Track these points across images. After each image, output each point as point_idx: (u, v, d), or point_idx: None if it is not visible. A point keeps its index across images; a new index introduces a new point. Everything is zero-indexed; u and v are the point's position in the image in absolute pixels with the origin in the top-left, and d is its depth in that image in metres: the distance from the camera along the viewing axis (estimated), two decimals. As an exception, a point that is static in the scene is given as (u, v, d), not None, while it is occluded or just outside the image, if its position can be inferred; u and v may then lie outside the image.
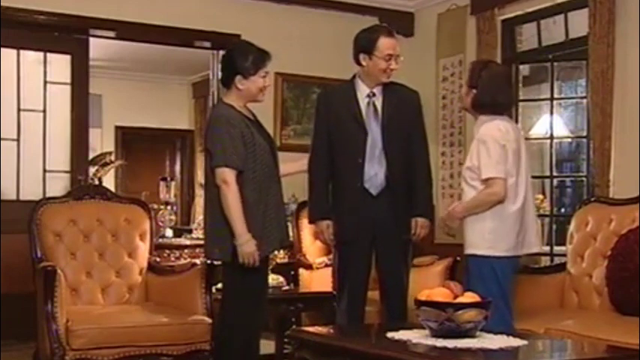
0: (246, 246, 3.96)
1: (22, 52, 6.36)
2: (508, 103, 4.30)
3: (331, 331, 3.98)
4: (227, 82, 4.14)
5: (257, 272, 4.09)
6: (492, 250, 4.04)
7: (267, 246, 4.09)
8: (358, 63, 4.38)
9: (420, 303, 3.23)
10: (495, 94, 4.12)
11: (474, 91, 4.13)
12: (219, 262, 4.28)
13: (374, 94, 4.38)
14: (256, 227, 4.01)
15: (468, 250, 4.12)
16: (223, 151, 3.97)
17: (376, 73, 4.33)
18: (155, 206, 6.22)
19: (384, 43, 4.30)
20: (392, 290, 4.41)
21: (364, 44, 4.34)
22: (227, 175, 3.96)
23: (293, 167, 4.48)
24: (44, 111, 6.44)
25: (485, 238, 4.05)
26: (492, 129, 4.07)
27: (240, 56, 4.11)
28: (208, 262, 4.52)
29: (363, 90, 4.39)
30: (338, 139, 4.37)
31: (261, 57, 4.12)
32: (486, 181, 4.02)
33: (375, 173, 4.32)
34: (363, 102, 4.37)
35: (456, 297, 3.25)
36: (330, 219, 4.41)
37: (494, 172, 4.00)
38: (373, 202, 4.30)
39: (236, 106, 4.10)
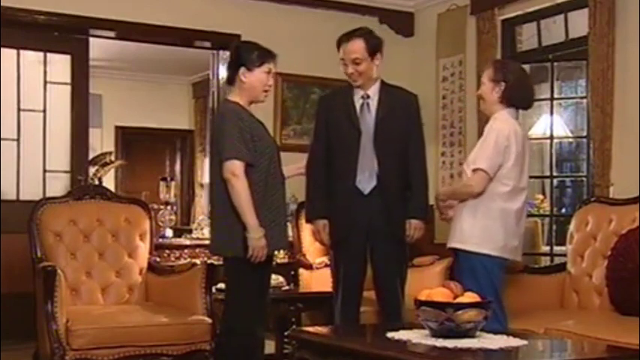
0: (258, 240, 3.94)
1: (22, 52, 6.36)
2: (532, 101, 4.36)
3: (331, 331, 3.98)
4: (232, 76, 4.13)
5: (264, 270, 4.10)
6: (480, 247, 4.05)
7: (273, 243, 4.07)
8: None
9: (420, 303, 3.23)
10: (527, 88, 4.25)
11: (503, 84, 4.13)
12: (222, 262, 4.26)
13: (368, 96, 4.43)
14: (262, 223, 3.98)
15: (456, 245, 4.14)
16: (232, 144, 3.95)
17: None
18: (155, 206, 6.22)
19: (341, 49, 4.40)
20: (385, 288, 4.42)
21: None
22: (236, 168, 3.93)
23: (292, 170, 4.44)
24: (44, 111, 6.44)
25: (475, 234, 4.07)
26: (510, 125, 4.10)
27: (245, 49, 4.15)
28: (209, 262, 4.50)
29: (358, 92, 4.44)
30: (335, 138, 4.42)
31: (267, 52, 4.14)
32: (474, 171, 4.06)
33: (367, 171, 4.35)
34: (358, 103, 4.43)
35: (455, 297, 3.25)
36: (327, 218, 4.43)
37: (485, 164, 4.03)
38: (365, 201, 4.33)
39: (242, 104, 4.11)
